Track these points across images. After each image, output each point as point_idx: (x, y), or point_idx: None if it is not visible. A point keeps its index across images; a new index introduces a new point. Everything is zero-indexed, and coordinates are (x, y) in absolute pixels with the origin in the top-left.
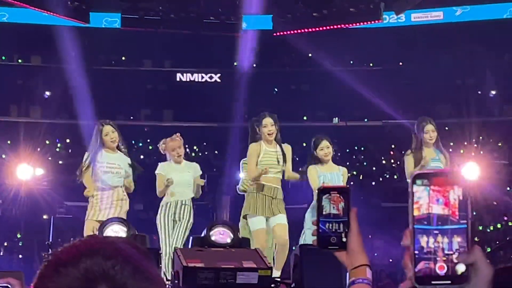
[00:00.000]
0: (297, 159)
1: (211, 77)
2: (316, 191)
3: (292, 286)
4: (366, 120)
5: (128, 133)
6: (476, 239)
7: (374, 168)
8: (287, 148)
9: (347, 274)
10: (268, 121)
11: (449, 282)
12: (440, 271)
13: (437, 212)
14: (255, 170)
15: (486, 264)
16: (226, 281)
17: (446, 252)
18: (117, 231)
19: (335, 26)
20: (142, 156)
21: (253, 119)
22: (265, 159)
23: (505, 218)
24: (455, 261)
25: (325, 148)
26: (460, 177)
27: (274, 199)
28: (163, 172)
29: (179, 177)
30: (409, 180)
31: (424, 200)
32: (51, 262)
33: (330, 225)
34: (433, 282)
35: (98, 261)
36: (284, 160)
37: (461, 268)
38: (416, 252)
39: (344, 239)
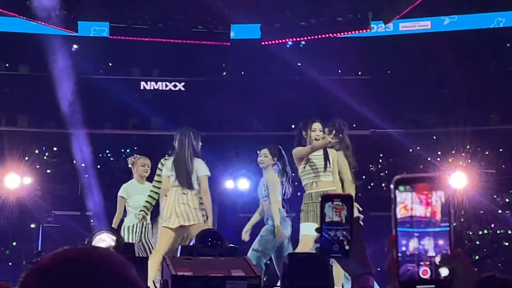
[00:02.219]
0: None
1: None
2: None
3: None
4: (354, 126)
5: (117, 141)
6: (468, 244)
7: (363, 177)
8: (332, 152)
9: (350, 282)
10: (317, 126)
11: (433, 286)
12: (424, 275)
13: (420, 215)
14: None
15: (469, 267)
16: None
17: (429, 254)
18: (105, 239)
19: (323, 35)
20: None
21: (301, 123)
22: (312, 163)
23: (493, 226)
24: (438, 264)
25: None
26: (443, 181)
27: (312, 203)
28: (125, 194)
29: (140, 199)
30: (391, 186)
31: (406, 203)
32: (34, 269)
33: (333, 233)
34: (417, 287)
35: (79, 267)
36: (330, 164)
37: (444, 271)
38: (400, 254)
39: (347, 247)
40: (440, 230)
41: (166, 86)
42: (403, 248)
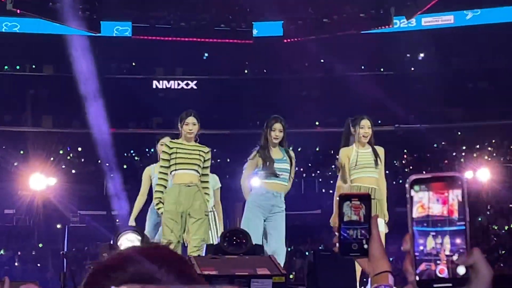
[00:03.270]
0: (309, 164)
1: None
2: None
3: None
4: (379, 122)
5: (141, 141)
6: (494, 239)
7: (387, 172)
8: (380, 150)
9: (369, 280)
10: (366, 122)
11: (450, 284)
12: (441, 274)
13: (437, 214)
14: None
15: (486, 265)
16: None
17: (446, 253)
18: (132, 239)
19: (346, 32)
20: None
21: (350, 119)
22: (361, 159)
23: None
24: (455, 263)
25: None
26: (458, 180)
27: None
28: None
29: None
30: (407, 185)
31: (423, 202)
32: (99, 268)
33: (352, 232)
34: (434, 286)
35: (145, 265)
36: (380, 161)
37: (461, 270)
38: (417, 254)
39: (365, 246)
40: (457, 228)
41: (188, 84)
42: (421, 247)
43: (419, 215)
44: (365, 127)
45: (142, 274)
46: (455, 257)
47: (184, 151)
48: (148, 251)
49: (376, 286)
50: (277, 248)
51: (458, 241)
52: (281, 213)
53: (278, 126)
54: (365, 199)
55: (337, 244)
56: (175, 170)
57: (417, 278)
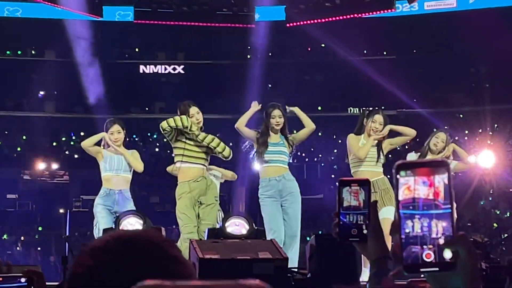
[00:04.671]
0: (312, 149)
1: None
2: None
3: (308, 276)
4: (383, 107)
5: (144, 126)
6: (495, 225)
7: (390, 156)
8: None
9: (368, 265)
10: (378, 118)
11: (436, 269)
12: (428, 259)
13: (422, 196)
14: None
15: (472, 250)
16: (242, 272)
17: (432, 237)
18: (133, 223)
19: (348, 16)
20: (157, 149)
21: (366, 110)
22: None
23: None
24: (442, 246)
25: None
26: (443, 166)
27: (374, 193)
28: None
29: None
30: (393, 171)
31: (409, 184)
32: (88, 249)
33: (351, 217)
34: (421, 270)
35: (133, 247)
36: (383, 156)
37: (447, 254)
38: (403, 237)
39: (365, 231)
40: (443, 212)
41: (191, 69)
42: (407, 231)
43: (405, 197)
44: (376, 122)
45: (129, 257)
46: (441, 241)
47: (192, 142)
48: (134, 234)
49: (375, 271)
50: (290, 235)
51: (444, 224)
52: (292, 197)
53: (277, 112)
54: (365, 184)
55: (337, 229)
56: (181, 162)
57: (404, 262)
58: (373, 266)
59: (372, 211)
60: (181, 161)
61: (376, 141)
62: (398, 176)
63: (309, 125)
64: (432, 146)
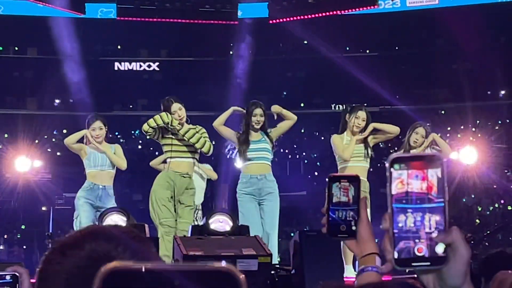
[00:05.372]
0: (294, 146)
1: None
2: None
3: (292, 272)
4: (365, 104)
5: (126, 123)
6: (477, 221)
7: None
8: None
9: (351, 262)
10: (362, 114)
11: (428, 263)
12: (419, 253)
13: (415, 190)
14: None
15: (464, 245)
16: None
17: (425, 231)
18: (116, 220)
19: (331, 13)
20: (140, 147)
21: (349, 106)
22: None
23: (503, 202)
24: (434, 241)
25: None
26: (437, 160)
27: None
28: None
29: None
30: (387, 164)
31: (402, 178)
32: (57, 246)
33: (340, 213)
34: (413, 264)
35: (101, 243)
36: (372, 151)
37: (439, 249)
38: (396, 231)
39: (354, 228)
40: (436, 205)
41: (173, 66)
42: (400, 225)
43: (398, 191)
44: (359, 119)
45: (98, 251)
46: (433, 235)
47: (178, 137)
48: (106, 229)
49: (363, 267)
50: (265, 232)
51: (437, 218)
52: (271, 196)
53: (258, 111)
54: (354, 180)
55: (326, 225)
56: (170, 158)
57: (396, 256)
58: (361, 263)
59: (362, 208)
60: (171, 156)
61: (362, 138)
62: (392, 169)
63: (292, 117)
64: (412, 143)
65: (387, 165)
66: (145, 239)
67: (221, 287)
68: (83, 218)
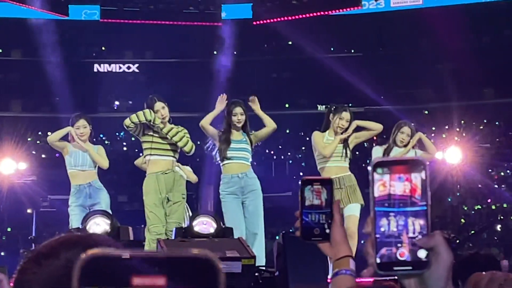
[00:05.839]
0: (280, 147)
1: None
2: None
3: (276, 274)
4: (350, 105)
5: (111, 125)
6: (462, 220)
7: (357, 153)
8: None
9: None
10: (346, 115)
11: (410, 268)
12: (401, 257)
13: (398, 193)
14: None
15: (447, 249)
16: None
17: (407, 235)
18: (99, 223)
19: (315, 14)
20: (124, 148)
21: (333, 106)
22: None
23: (489, 201)
24: (416, 245)
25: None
26: (420, 164)
27: (339, 189)
28: None
29: None
30: (369, 168)
31: (384, 180)
32: (33, 255)
33: (313, 216)
34: (394, 268)
35: (77, 252)
36: (350, 151)
37: (422, 253)
38: (378, 236)
39: (327, 231)
40: (419, 209)
41: (157, 67)
42: (382, 229)
43: (380, 193)
44: (343, 120)
45: (74, 261)
46: (416, 240)
47: (159, 135)
48: (82, 238)
49: (337, 270)
50: (252, 232)
51: (419, 222)
52: (254, 194)
53: (238, 110)
54: (327, 183)
55: (299, 229)
56: (150, 155)
57: (378, 260)
58: (335, 266)
59: (335, 210)
60: (150, 154)
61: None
62: (374, 173)
63: (270, 124)
64: (398, 142)
65: (370, 169)
66: (122, 245)
67: (200, 273)
68: (74, 223)
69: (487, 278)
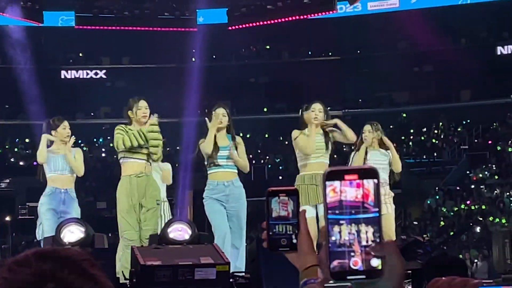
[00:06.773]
0: (258, 151)
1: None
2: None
3: (249, 280)
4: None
5: (89, 130)
6: (441, 223)
7: (335, 156)
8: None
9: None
10: (316, 106)
11: (363, 276)
12: (355, 266)
13: (349, 199)
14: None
15: (399, 257)
16: (184, 278)
17: (360, 243)
18: (73, 231)
19: (290, 18)
20: (103, 155)
21: (304, 105)
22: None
23: (468, 203)
24: (369, 254)
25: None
26: (372, 172)
27: (316, 186)
28: None
29: None
30: (321, 179)
31: (334, 186)
32: (5, 263)
33: (280, 227)
34: (348, 277)
35: (49, 263)
36: (332, 144)
37: (375, 262)
38: (330, 245)
39: (294, 241)
40: (372, 216)
41: (134, 73)
42: (333, 238)
43: (330, 200)
44: (315, 110)
45: (45, 270)
46: (369, 248)
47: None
48: (56, 251)
49: (305, 280)
50: (234, 242)
51: (372, 229)
52: (238, 204)
53: (220, 110)
54: (293, 194)
55: (267, 240)
56: (124, 158)
57: (331, 269)
58: (303, 276)
59: (301, 221)
60: (124, 156)
61: (322, 131)
62: (326, 182)
63: (243, 165)
64: (364, 140)
65: (321, 179)
66: (95, 263)
67: None
68: (45, 226)
69: (446, 284)
